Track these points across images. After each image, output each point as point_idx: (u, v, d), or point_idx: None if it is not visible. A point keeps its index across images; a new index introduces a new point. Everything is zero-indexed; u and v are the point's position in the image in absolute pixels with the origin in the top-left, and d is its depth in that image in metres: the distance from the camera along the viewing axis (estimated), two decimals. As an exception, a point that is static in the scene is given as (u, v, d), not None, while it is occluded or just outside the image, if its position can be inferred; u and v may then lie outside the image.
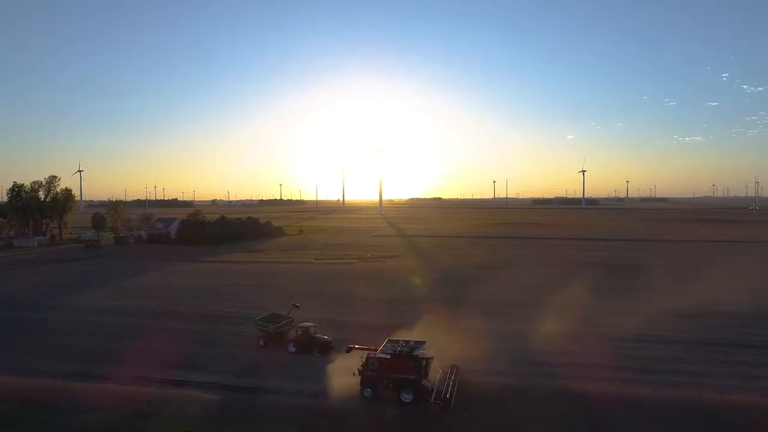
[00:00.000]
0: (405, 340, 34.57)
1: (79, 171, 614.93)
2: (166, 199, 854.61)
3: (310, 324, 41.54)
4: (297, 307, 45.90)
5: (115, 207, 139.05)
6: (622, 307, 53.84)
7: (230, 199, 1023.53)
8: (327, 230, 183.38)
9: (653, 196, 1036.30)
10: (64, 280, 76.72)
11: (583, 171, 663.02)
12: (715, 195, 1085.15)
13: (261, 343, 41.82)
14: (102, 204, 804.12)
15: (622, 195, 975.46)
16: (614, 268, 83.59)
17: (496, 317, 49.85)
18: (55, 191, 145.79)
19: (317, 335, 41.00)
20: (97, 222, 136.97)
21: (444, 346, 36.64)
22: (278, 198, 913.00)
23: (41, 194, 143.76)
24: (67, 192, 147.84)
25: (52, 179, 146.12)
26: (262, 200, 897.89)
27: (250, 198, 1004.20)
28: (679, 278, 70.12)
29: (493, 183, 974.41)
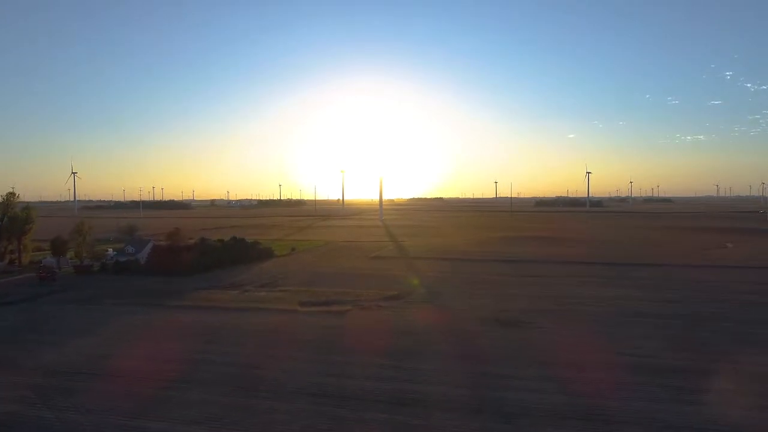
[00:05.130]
0: None
1: (73, 173, 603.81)
2: (163, 200, 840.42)
3: None
4: None
5: (80, 229, 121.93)
6: None
7: (230, 199, 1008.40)
8: (321, 247, 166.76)
9: (656, 195, 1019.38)
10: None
11: (588, 173, 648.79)
12: (718, 195, 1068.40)
13: None
14: (100, 204, 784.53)
15: (624, 194, 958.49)
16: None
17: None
18: (13, 210, 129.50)
19: None
20: (57, 247, 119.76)
21: None
22: (278, 198, 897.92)
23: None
24: (28, 210, 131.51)
25: (10, 196, 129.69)
26: (261, 200, 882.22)
27: (249, 198, 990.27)
28: None
29: (495, 184, 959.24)
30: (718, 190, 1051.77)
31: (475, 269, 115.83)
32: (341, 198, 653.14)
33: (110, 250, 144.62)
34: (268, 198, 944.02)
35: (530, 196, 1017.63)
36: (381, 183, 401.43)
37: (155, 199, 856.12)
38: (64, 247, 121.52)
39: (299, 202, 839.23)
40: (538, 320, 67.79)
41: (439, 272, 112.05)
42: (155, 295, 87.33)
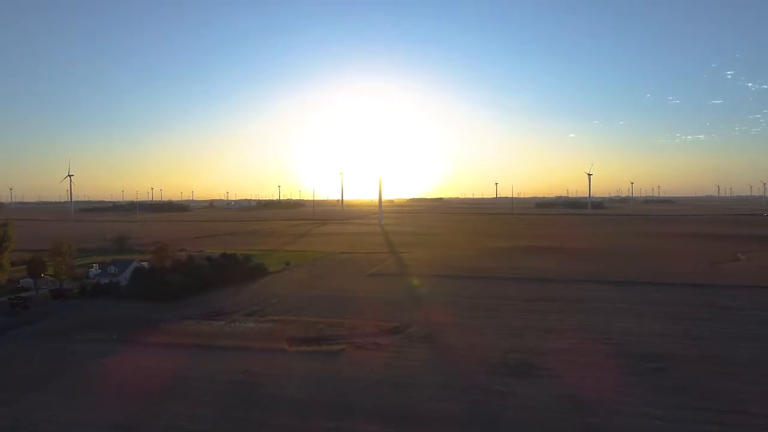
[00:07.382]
0: None
1: (69, 175, 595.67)
2: (162, 200, 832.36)
3: None
4: None
5: (58, 249, 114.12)
6: None
7: (229, 199, 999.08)
8: (317, 261, 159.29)
9: (657, 196, 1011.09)
10: None
11: (590, 174, 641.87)
12: (719, 195, 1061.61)
13: None
14: (97, 206, 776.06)
15: (624, 194, 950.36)
16: None
17: None
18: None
19: None
20: (35, 269, 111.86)
21: None
22: (277, 199, 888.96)
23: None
24: (5, 228, 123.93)
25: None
26: (260, 201, 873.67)
27: (248, 198, 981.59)
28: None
29: (495, 185, 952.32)
30: (719, 191, 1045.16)
31: (481, 291, 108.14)
32: (341, 199, 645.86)
33: (95, 266, 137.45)
34: (267, 198, 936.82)
35: (530, 196, 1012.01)
36: (380, 184, 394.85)
37: (154, 199, 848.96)
38: (42, 268, 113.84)
39: (298, 203, 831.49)
40: (552, 365, 60.32)
41: (442, 295, 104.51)
42: (130, 328, 79.70)
